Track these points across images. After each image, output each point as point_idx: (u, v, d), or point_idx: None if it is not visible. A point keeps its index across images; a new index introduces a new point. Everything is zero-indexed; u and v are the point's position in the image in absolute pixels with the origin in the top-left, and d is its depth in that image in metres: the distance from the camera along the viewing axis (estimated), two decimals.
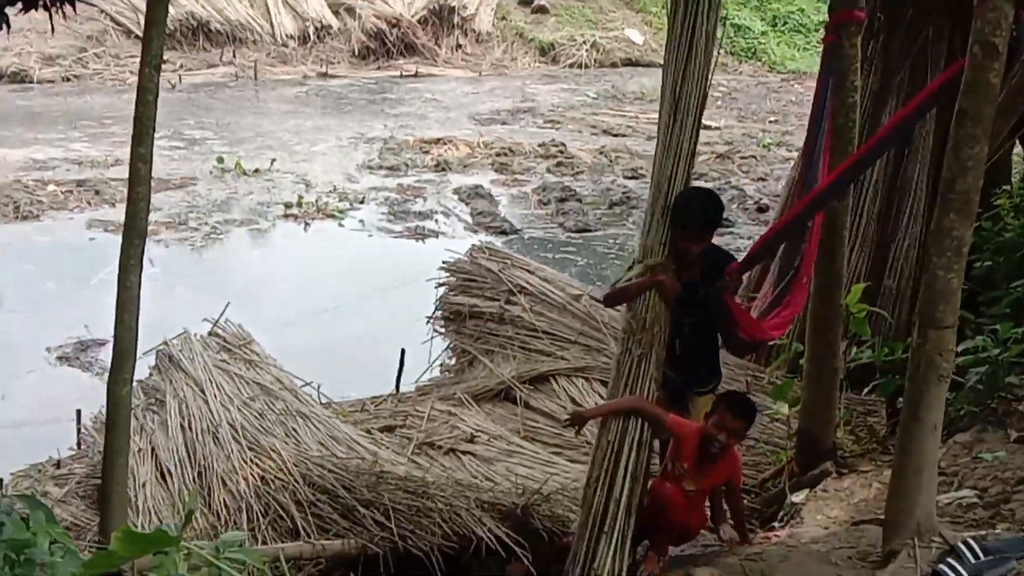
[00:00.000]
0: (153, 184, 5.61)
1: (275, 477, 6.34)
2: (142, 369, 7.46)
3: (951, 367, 4.48)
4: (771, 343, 7.86)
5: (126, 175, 5.25)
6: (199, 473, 6.65)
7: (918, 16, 8.30)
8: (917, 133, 8.17)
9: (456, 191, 15.86)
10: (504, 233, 14.01)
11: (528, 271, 9.34)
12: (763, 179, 16.65)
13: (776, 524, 5.78)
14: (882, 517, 4.67)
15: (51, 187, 15.10)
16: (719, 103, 22.01)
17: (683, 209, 5.29)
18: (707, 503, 5.30)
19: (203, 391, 7.38)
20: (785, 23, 26.98)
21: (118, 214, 10.80)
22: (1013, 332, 5.89)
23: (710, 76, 5.48)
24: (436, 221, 14.53)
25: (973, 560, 4.12)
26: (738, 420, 5.03)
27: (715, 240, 5.58)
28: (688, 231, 5.22)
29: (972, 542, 4.21)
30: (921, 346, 4.40)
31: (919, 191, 8.12)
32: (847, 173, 5.50)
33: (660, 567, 5.10)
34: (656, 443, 5.39)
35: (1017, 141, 8.63)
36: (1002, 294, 6.54)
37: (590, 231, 14.29)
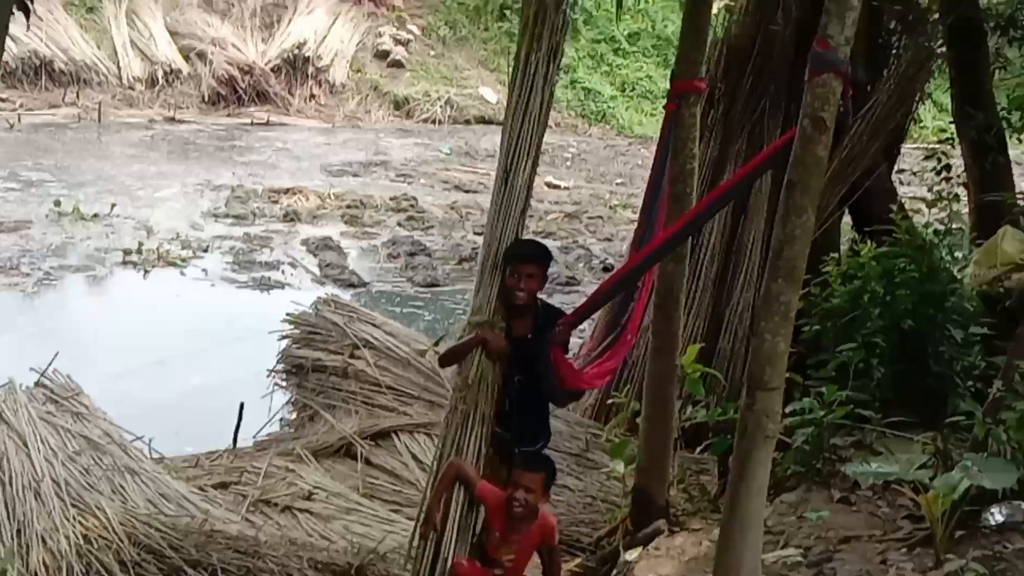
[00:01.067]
0: None
1: (99, 536, 6.07)
2: None
3: (778, 428, 4.59)
4: (611, 401, 8.03)
5: None
6: (18, 531, 6.31)
7: (756, 87, 8.66)
8: (753, 201, 8.47)
9: (304, 242, 15.68)
10: (352, 286, 13.89)
11: (374, 325, 9.28)
12: (609, 239, 16.99)
13: None
14: (711, 574, 4.75)
15: None
16: (569, 164, 22.42)
17: (516, 245, 5.41)
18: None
19: (26, 444, 7.03)
20: (633, 89, 27.76)
21: None
22: (838, 395, 6.08)
23: (542, 139, 5.58)
24: (283, 272, 14.32)
25: None
26: (530, 474, 4.97)
27: (560, 300, 5.64)
28: (523, 263, 5.27)
29: None
30: (749, 407, 4.50)
31: (753, 257, 8.41)
32: (679, 232, 5.65)
33: None
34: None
35: (846, 211, 9.04)
36: (828, 358, 6.76)
37: (439, 286, 14.29)
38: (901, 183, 10.23)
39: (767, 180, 8.30)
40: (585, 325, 10.91)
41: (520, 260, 5.30)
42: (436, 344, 8.87)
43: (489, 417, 5.16)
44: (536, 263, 5.37)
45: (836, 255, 7.62)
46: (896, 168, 9.76)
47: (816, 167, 4.50)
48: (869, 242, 7.52)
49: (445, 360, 5.64)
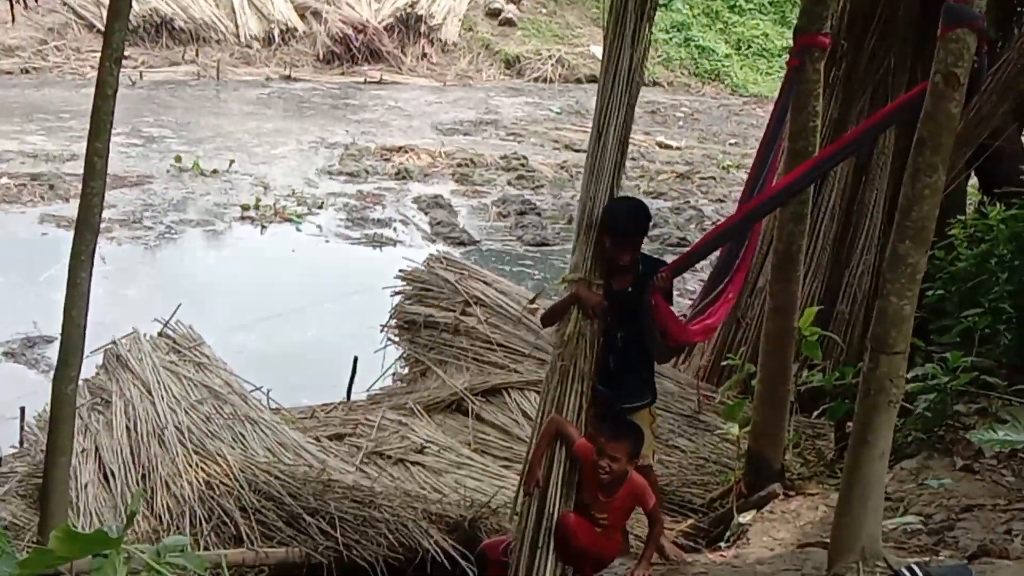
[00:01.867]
0: (108, 181, 5.54)
1: (220, 482, 6.26)
2: (89, 368, 7.36)
3: (901, 393, 4.49)
4: (724, 363, 7.94)
5: (81, 170, 5.17)
6: (143, 475, 6.56)
7: (881, 44, 8.38)
8: (875, 161, 8.24)
9: (416, 200, 15.82)
10: (462, 244, 13.98)
11: (485, 283, 9.32)
12: (722, 200, 16.73)
13: (723, 544, 5.78)
14: (828, 540, 4.68)
15: (4, 180, 14.88)
16: (681, 123, 22.13)
17: (611, 218, 5.32)
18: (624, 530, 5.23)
19: (150, 392, 7.28)
20: (749, 47, 27.19)
21: (71, 209, 10.69)
22: (962, 361, 5.93)
23: (636, 97, 5.51)
24: (394, 229, 14.48)
25: None
26: (615, 443, 4.91)
27: (670, 258, 5.58)
28: (618, 238, 5.24)
29: (916, 568, 4.23)
30: (872, 371, 4.41)
31: (875, 219, 8.20)
32: (791, 185, 5.52)
33: None
34: None
35: (973, 172, 8.75)
36: (953, 323, 6.59)
37: (548, 245, 14.30)
38: None
39: (890, 139, 8.08)
40: (694, 286, 10.83)
41: (623, 234, 5.26)
42: (532, 301, 8.90)
43: (589, 374, 5.14)
44: (639, 234, 5.36)
45: (962, 218, 7.40)
46: None
47: (948, 124, 4.36)
48: (998, 204, 7.28)
49: (545, 320, 5.67)
